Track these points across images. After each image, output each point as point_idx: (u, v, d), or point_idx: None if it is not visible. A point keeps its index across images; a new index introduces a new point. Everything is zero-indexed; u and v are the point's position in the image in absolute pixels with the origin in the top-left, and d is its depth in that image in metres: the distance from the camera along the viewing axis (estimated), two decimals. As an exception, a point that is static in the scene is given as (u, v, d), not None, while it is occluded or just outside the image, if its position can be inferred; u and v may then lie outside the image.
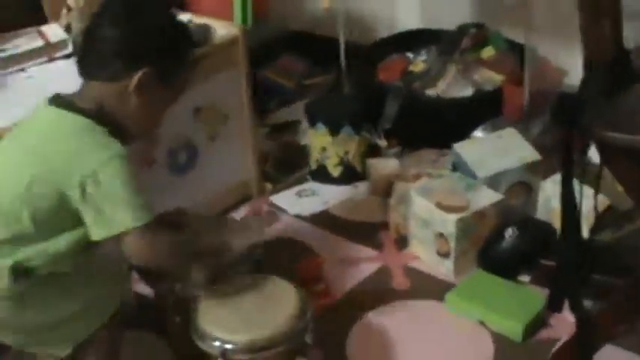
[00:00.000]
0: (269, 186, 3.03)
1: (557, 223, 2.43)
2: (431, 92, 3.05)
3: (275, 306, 2.04)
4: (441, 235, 2.50)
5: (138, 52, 1.84)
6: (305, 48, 3.66)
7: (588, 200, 2.34)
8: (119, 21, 1.86)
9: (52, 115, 1.87)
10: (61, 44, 2.62)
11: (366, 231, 2.77)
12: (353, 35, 3.36)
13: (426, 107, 3.04)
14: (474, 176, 2.63)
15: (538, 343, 2.26)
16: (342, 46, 3.20)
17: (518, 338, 2.27)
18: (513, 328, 2.28)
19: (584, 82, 1.70)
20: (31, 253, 1.85)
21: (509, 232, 2.47)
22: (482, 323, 2.34)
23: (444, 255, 2.52)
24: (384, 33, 3.53)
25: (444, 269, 2.54)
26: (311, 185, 3.04)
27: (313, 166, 3.05)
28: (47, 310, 1.91)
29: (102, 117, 1.85)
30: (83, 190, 1.78)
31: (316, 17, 3.63)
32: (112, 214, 1.78)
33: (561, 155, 1.79)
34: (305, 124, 3.05)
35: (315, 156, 3.03)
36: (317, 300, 2.43)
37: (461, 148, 2.74)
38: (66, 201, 1.81)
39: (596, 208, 1.97)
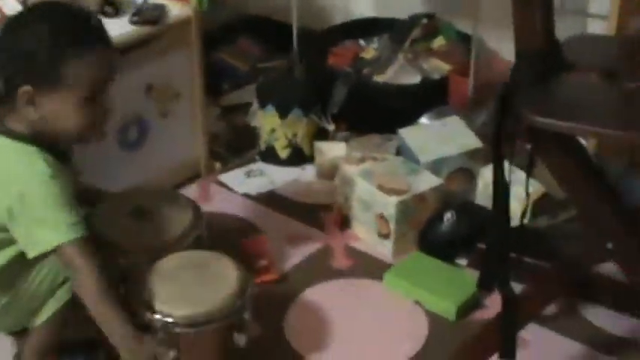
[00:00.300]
0: (218, 165, 3.06)
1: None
2: (379, 79, 3.10)
3: (216, 282, 2.08)
4: (382, 216, 2.55)
5: (5, 74, 1.90)
6: (261, 32, 3.67)
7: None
8: None
9: None
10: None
11: (310, 211, 2.81)
12: (308, 21, 3.38)
13: (374, 93, 3.08)
14: (416, 161, 2.68)
15: (471, 323, 2.32)
16: (295, 31, 3.23)
17: (452, 318, 2.33)
18: (447, 308, 2.34)
19: (515, 70, 1.75)
20: None
21: (448, 216, 2.53)
22: (417, 303, 2.39)
23: (385, 236, 2.57)
24: (338, 20, 3.56)
25: (384, 250, 2.59)
26: (259, 166, 3.07)
27: (262, 147, 3.08)
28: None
29: (36, 134, 1.92)
30: (11, 214, 1.87)
31: (273, 2, 3.65)
32: (41, 234, 1.87)
33: (492, 141, 1.85)
34: (256, 105, 3.08)
35: (264, 137, 3.06)
36: (259, 276, 2.48)
37: (406, 133, 2.79)
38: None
39: (527, 194, 2.03)
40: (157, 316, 2.00)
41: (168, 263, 2.13)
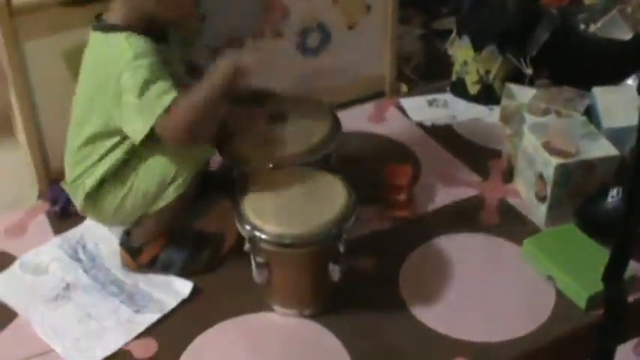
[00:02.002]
0: (404, 87, 2.76)
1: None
2: (589, 28, 2.62)
3: (317, 206, 1.84)
4: (541, 176, 2.17)
5: None
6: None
7: None
8: None
9: (95, 41, 1.88)
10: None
11: (479, 155, 2.46)
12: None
13: (578, 42, 2.60)
14: (599, 125, 2.26)
15: (599, 318, 1.91)
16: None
17: (582, 306, 1.94)
18: (579, 295, 1.94)
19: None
20: (99, 169, 1.92)
21: (614, 193, 2.09)
22: (551, 279, 2.02)
23: (541, 199, 2.19)
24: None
25: (538, 213, 2.21)
26: (445, 97, 2.73)
27: (454, 78, 2.75)
28: (126, 197, 1.95)
29: (132, 22, 1.83)
30: (115, 101, 1.80)
31: None
32: (137, 123, 1.79)
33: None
34: (455, 33, 2.73)
35: (456, 68, 2.71)
36: (394, 210, 2.20)
37: (599, 92, 2.35)
38: (114, 119, 1.84)
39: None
40: (247, 227, 1.81)
41: (278, 177, 1.93)
